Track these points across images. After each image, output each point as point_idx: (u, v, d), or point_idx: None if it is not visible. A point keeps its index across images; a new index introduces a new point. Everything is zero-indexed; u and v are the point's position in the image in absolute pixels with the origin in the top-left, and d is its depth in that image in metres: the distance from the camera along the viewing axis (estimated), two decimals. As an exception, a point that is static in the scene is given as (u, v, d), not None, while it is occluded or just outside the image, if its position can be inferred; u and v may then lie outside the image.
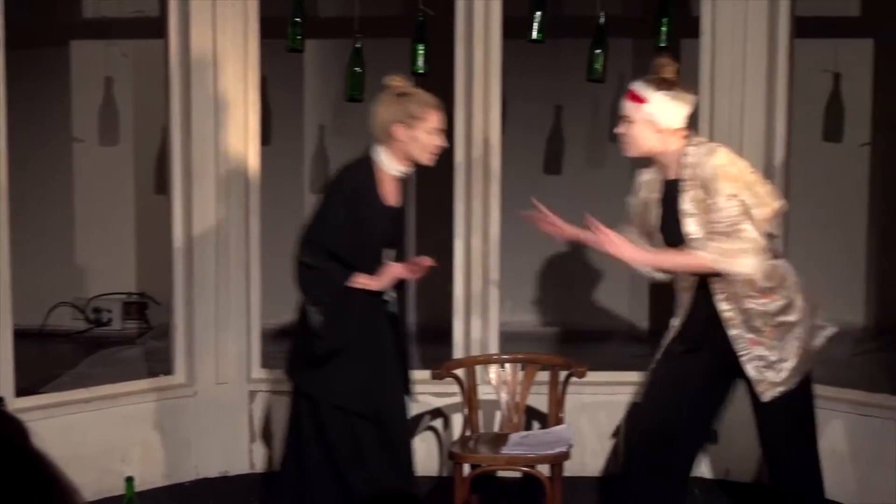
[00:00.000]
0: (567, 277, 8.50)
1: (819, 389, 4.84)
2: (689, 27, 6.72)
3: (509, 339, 6.66)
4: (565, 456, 5.15)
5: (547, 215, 4.79)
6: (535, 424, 6.10)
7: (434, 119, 4.81)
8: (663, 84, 4.57)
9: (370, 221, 4.81)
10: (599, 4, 6.30)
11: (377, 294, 4.82)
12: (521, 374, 5.58)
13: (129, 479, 3.86)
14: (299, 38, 6.44)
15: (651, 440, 4.79)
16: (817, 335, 4.71)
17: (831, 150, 8.24)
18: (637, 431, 4.95)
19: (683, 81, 4.68)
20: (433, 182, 7.00)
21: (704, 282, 4.63)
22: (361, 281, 4.77)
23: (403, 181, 4.96)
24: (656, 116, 4.56)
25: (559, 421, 5.51)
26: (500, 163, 6.25)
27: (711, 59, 6.10)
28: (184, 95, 6.16)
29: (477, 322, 6.27)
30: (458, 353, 6.27)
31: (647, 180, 4.81)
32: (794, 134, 6.19)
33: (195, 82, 6.14)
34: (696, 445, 4.92)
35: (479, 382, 5.68)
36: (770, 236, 4.61)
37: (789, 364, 4.60)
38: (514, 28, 6.24)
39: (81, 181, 8.62)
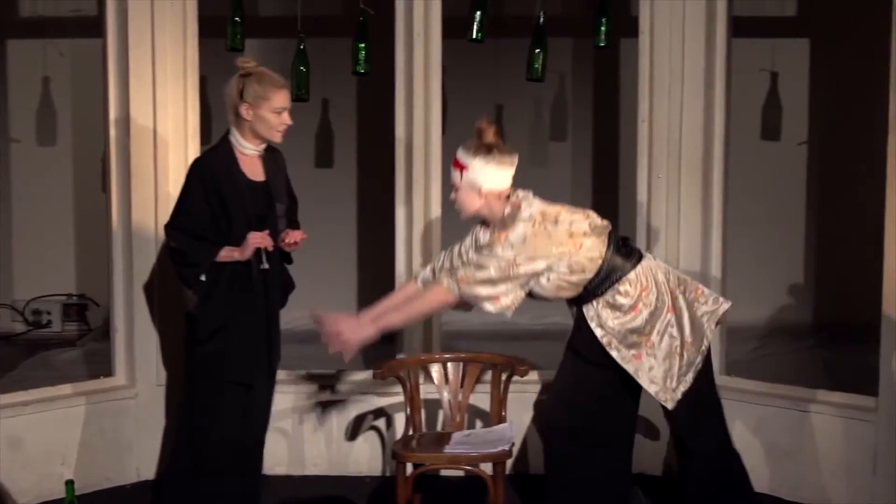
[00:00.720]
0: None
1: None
2: (627, 27, 6.77)
3: (451, 339, 6.68)
4: (508, 454, 5.16)
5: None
6: (478, 423, 6.11)
7: (278, 98, 4.97)
8: (481, 149, 4.72)
9: (232, 198, 4.95)
10: (539, 4, 6.32)
11: (249, 265, 4.99)
12: (463, 374, 5.59)
13: (70, 483, 3.84)
14: (239, 37, 6.42)
15: (562, 436, 4.87)
16: (705, 321, 4.79)
17: (770, 148, 8.31)
18: (548, 428, 5.04)
19: (507, 142, 4.80)
20: (374, 183, 7.01)
21: (579, 313, 4.80)
22: (225, 254, 4.94)
23: (267, 158, 5.12)
24: (477, 181, 4.71)
25: (502, 419, 5.52)
26: (441, 163, 6.25)
27: (650, 59, 6.14)
28: (122, 95, 6.11)
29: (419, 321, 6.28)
30: (400, 352, 6.28)
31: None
32: (733, 133, 6.24)
33: (134, 82, 6.09)
34: (617, 440, 4.98)
35: (421, 382, 5.68)
36: (623, 248, 4.77)
37: (678, 365, 4.70)
38: (454, 28, 6.25)
39: (19, 182, 8.52)
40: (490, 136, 4.74)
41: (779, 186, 8.38)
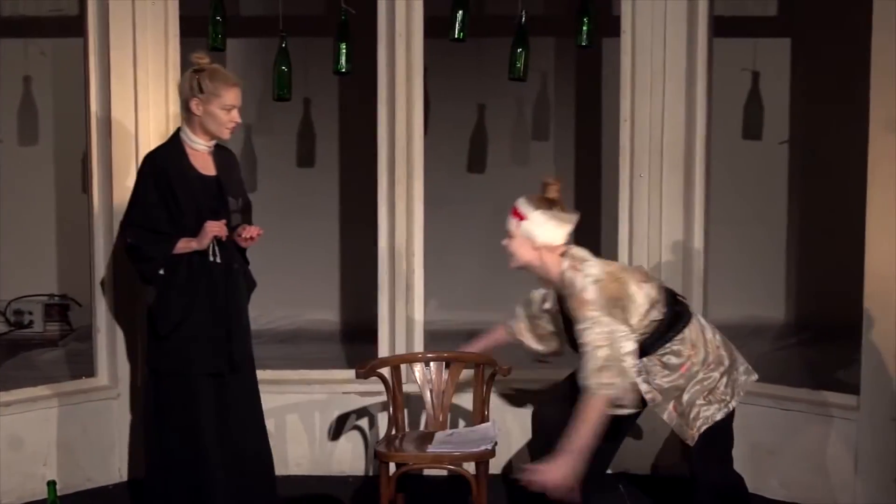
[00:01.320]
0: (492, 276, 8.52)
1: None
2: (609, 26, 6.77)
3: (434, 338, 6.68)
4: (491, 453, 5.16)
5: None
6: (461, 422, 6.12)
7: (228, 96, 4.98)
8: (544, 203, 4.81)
9: (183, 191, 4.96)
10: (521, 4, 6.32)
11: (205, 255, 5.00)
12: (446, 373, 5.59)
13: (52, 483, 3.83)
14: (220, 36, 6.41)
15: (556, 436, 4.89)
16: (738, 386, 4.89)
17: (751, 147, 8.34)
18: (544, 428, 5.08)
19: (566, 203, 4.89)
20: (356, 182, 7.01)
21: None
22: (182, 245, 4.95)
23: (218, 155, 5.12)
24: (534, 233, 4.79)
25: (484, 419, 5.52)
26: (424, 161, 6.26)
27: (632, 58, 6.15)
28: (103, 95, 6.10)
29: (401, 321, 6.28)
30: (382, 351, 6.28)
31: (548, 292, 5.15)
32: (714, 131, 6.26)
33: (115, 81, 6.07)
34: (608, 443, 5.01)
35: (404, 381, 5.68)
36: (677, 306, 4.84)
37: (707, 412, 4.77)
38: (436, 27, 6.25)
39: (1, 181, 8.50)
40: (553, 192, 4.83)
41: (760, 185, 8.40)
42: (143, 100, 6.12)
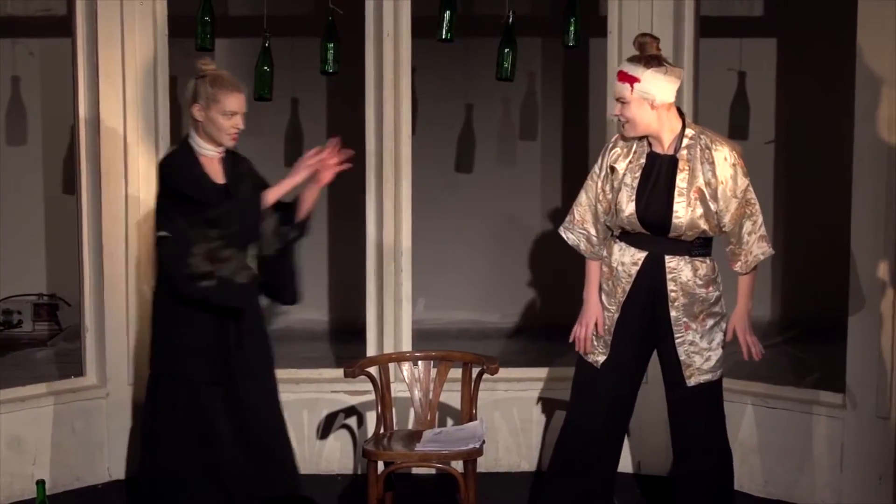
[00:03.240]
0: (480, 275, 8.54)
1: (726, 382, 4.95)
2: (596, 26, 6.80)
3: (422, 337, 6.70)
4: (478, 452, 5.18)
5: None
6: (449, 421, 6.14)
7: (230, 102, 4.91)
8: (652, 61, 4.65)
9: (197, 200, 4.87)
10: (508, 4, 6.35)
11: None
12: (434, 372, 5.61)
13: (41, 483, 3.84)
14: (208, 36, 6.41)
15: (594, 441, 4.91)
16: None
17: (737, 147, 8.36)
18: (581, 432, 4.99)
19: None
20: (344, 182, 7.01)
21: (654, 260, 4.76)
22: (276, 191, 4.90)
23: (228, 161, 5.04)
24: (651, 93, 4.63)
25: (472, 417, 5.54)
26: (411, 161, 6.28)
27: (619, 59, 6.15)
28: (92, 95, 6.11)
29: (389, 320, 6.30)
30: (371, 350, 6.30)
31: (629, 149, 4.84)
32: (701, 132, 6.28)
33: (103, 81, 6.08)
34: (621, 440, 5.07)
35: (392, 380, 5.70)
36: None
37: (716, 355, 4.78)
38: (424, 27, 6.27)
39: (-11, 181, 8.50)
40: (654, 48, 4.68)
41: (747, 185, 8.41)
42: (131, 99, 6.13)
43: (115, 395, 6.20)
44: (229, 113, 4.91)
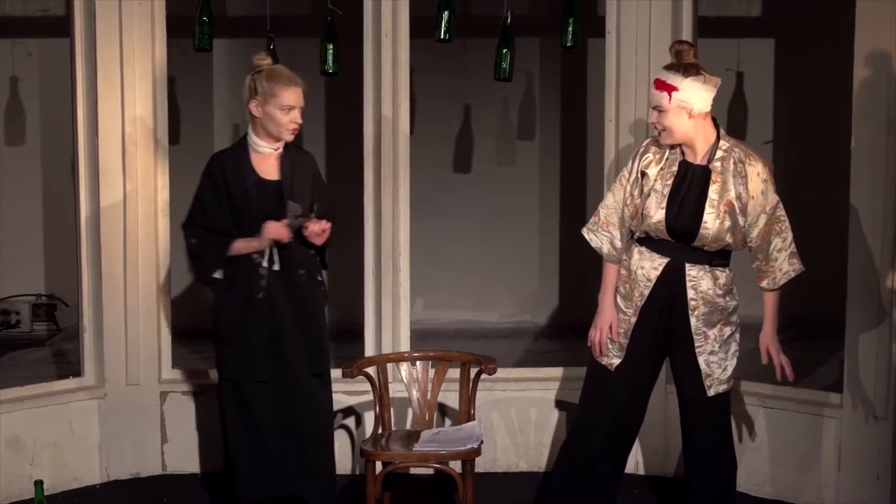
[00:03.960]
0: (478, 275, 8.55)
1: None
2: (595, 27, 6.81)
3: (420, 337, 6.70)
4: (476, 452, 5.18)
5: None
6: (447, 421, 6.14)
7: (286, 96, 4.92)
8: (691, 69, 4.63)
9: (244, 196, 4.92)
10: (506, 4, 6.35)
11: (256, 263, 4.94)
12: (432, 372, 5.61)
13: (39, 483, 3.83)
14: (207, 36, 6.41)
15: (603, 443, 4.92)
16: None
17: (736, 147, 8.36)
18: (590, 434, 5.00)
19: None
20: (342, 182, 7.02)
21: (674, 268, 4.76)
22: (241, 245, 4.91)
23: (287, 157, 5.06)
24: (689, 102, 4.62)
25: (470, 417, 5.54)
26: (410, 161, 6.27)
27: (617, 59, 6.17)
28: (90, 95, 6.11)
29: (387, 320, 6.30)
30: (369, 350, 6.30)
31: (661, 155, 4.82)
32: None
33: (102, 82, 6.08)
34: (630, 444, 5.10)
35: (390, 380, 5.70)
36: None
37: (731, 365, 4.82)
38: (422, 27, 6.27)
39: (-13, 182, 8.51)
40: (691, 56, 4.66)
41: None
42: (129, 100, 6.12)
43: (113, 395, 6.20)
44: (287, 107, 4.91)
